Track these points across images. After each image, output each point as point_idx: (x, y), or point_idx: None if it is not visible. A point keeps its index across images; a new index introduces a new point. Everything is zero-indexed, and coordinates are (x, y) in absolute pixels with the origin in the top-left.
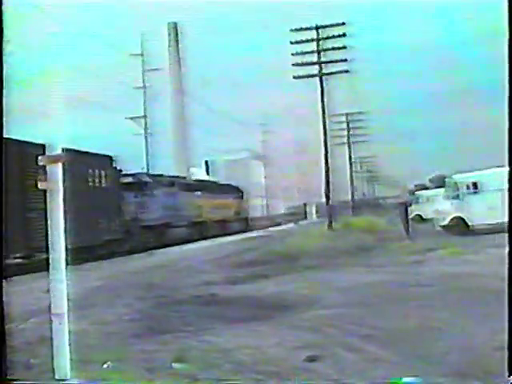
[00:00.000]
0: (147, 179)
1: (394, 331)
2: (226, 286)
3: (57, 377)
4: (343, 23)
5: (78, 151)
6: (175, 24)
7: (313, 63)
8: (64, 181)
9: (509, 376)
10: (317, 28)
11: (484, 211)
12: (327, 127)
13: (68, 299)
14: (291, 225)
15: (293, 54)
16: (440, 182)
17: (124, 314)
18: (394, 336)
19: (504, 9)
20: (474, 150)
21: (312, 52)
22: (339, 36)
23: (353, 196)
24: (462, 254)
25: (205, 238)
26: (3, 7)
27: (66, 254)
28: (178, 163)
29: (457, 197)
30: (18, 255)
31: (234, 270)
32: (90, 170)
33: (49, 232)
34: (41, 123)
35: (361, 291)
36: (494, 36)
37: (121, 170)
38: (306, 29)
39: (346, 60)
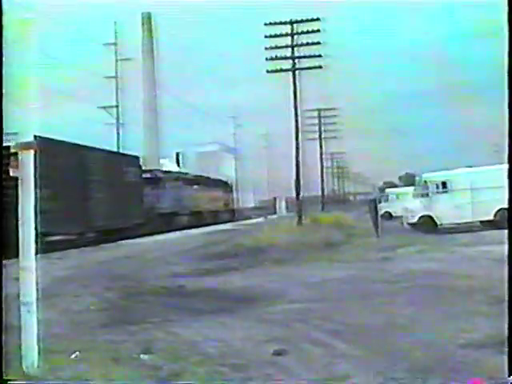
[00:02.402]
0: (161, 175)
1: (360, 327)
2: (194, 278)
3: (24, 365)
4: (318, 18)
5: (117, 153)
6: (149, 14)
7: (286, 58)
8: (107, 176)
9: (509, 376)
10: (291, 23)
11: (452, 210)
12: (299, 122)
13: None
14: (261, 219)
15: (267, 48)
16: (409, 181)
17: (91, 304)
18: (360, 331)
19: (504, 8)
20: (444, 150)
21: (286, 47)
22: (314, 31)
23: (323, 191)
24: (429, 252)
25: (201, 226)
26: (3, 8)
27: (108, 234)
28: (149, 154)
29: (426, 195)
30: (72, 232)
31: (202, 262)
32: (124, 168)
33: (19, 219)
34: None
35: (327, 286)
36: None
37: (141, 167)
38: (281, 23)
39: (320, 56)
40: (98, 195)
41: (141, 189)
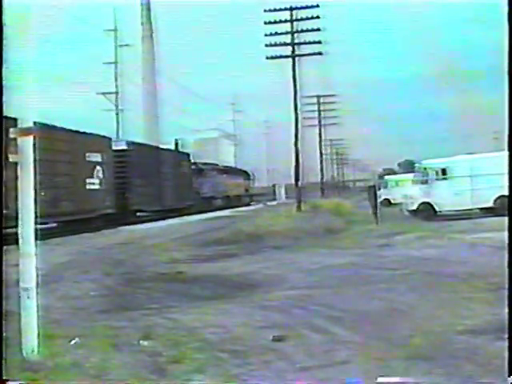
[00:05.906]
0: (203, 167)
1: (359, 313)
2: (193, 264)
3: (24, 351)
4: (317, 5)
5: (176, 150)
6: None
7: (286, 44)
8: (171, 168)
9: (509, 376)
10: (291, 9)
11: (452, 197)
12: (298, 109)
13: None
14: (260, 205)
15: (266, 35)
16: (408, 167)
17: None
18: (359, 318)
19: (504, 8)
20: (443, 137)
21: (286, 33)
22: (313, 18)
23: (322, 178)
24: (428, 239)
25: (230, 207)
26: (3, 7)
27: (171, 211)
28: (148, 141)
29: (426, 182)
30: (151, 210)
31: (202, 249)
32: (181, 162)
33: (19, 205)
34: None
35: (327, 273)
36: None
37: (191, 161)
38: (280, 10)
39: (319, 42)
40: (166, 183)
41: (191, 178)
